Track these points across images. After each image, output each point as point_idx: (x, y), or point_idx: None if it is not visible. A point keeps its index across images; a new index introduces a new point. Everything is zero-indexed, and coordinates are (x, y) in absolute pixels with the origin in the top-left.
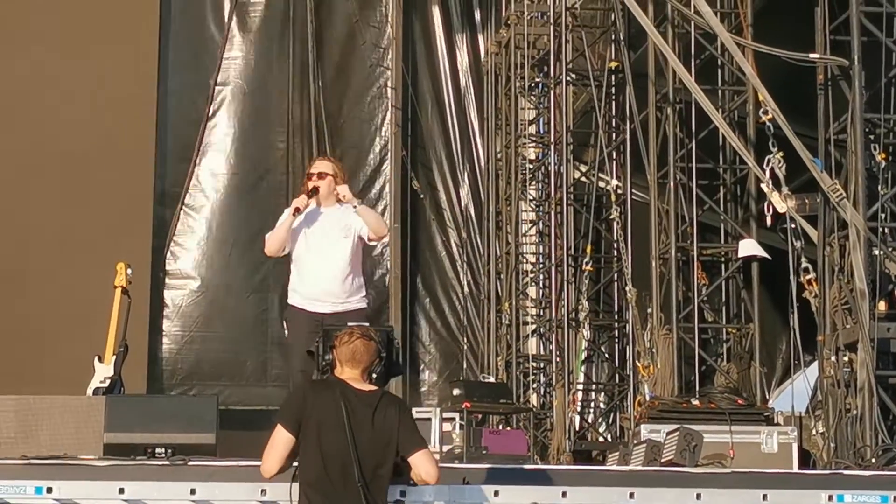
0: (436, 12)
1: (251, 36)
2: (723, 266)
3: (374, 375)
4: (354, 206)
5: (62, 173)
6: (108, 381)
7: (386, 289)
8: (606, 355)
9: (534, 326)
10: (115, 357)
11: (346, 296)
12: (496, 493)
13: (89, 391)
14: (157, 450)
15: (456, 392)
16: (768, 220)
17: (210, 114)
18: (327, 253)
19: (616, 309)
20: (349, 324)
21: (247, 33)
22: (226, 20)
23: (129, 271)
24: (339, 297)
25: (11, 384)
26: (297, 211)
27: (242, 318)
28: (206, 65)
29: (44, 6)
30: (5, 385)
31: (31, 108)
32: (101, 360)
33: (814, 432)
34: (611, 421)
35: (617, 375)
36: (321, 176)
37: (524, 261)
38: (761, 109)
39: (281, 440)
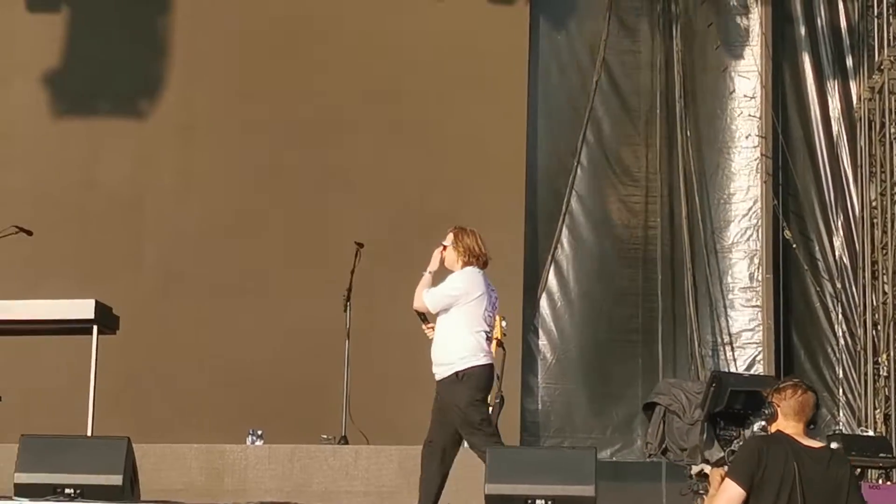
0: (806, 60)
1: (616, 91)
2: None
3: (812, 426)
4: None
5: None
6: None
7: (759, 342)
8: None
9: None
10: (491, 409)
11: (444, 363)
12: None
13: None
14: (538, 502)
15: (834, 446)
16: None
17: (576, 168)
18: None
19: None
20: (780, 379)
21: (612, 88)
22: (594, 77)
23: (503, 324)
24: (438, 365)
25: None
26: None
27: (610, 368)
28: (572, 121)
29: (416, 61)
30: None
31: (400, 163)
32: None
33: None
34: None
35: None
36: (444, 247)
37: None
38: None
39: (733, 494)
